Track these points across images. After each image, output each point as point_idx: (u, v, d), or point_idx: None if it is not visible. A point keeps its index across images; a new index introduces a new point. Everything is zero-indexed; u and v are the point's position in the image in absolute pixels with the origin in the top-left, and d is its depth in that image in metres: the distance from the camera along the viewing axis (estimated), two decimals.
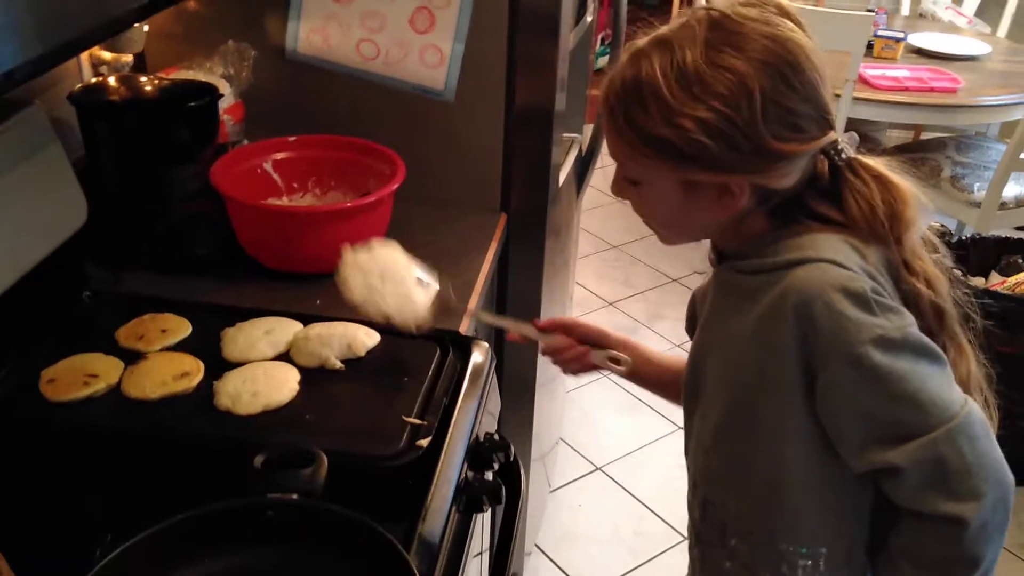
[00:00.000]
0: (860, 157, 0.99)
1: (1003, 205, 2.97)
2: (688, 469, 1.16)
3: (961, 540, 0.91)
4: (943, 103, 2.90)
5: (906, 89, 2.93)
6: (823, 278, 0.92)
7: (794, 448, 0.99)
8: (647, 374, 1.29)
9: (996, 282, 2.56)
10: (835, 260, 0.93)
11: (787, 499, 1.02)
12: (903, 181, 0.98)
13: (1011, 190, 3.01)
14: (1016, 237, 2.71)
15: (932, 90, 2.92)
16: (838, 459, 0.98)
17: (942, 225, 1.03)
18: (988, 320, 1.04)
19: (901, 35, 3.22)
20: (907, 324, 0.92)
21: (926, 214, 0.98)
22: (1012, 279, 2.52)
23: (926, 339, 0.93)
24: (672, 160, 0.95)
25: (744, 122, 0.91)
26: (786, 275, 0.95)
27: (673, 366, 1.27)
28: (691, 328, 1.18)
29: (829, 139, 0.96)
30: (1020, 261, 2.61)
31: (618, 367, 1.25)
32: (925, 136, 3.94)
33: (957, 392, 0.93)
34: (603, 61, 4.03)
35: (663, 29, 0.97)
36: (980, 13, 3.96)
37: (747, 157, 0.93)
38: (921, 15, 3.90)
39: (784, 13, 0.95)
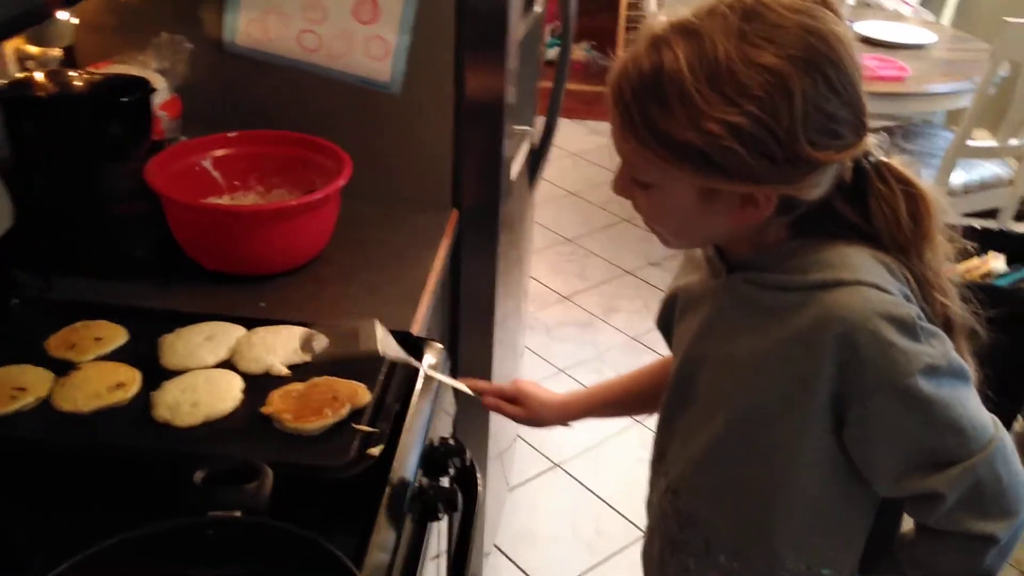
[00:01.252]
0: (888, 160, 0.91)
1: (951, 192, 3.00)
2: (662, 474, 1.11)
3: (986, 556, 0.90)
4: (890, 91, 2.92)
5: None
6: (867, 305, 0.86)
7: (809, 471, 0.95)
8: (606, 410, 1.29)
9: (946, 268, 2.57)
10: (875, 283, 0.87)
11: (793, 519, 0.98)
12: (930, 190, 0.92)
13: (958, 177, 3.04)
14: (965, 224, 2.74)
15: (879, 78, 2.93)
16: (854, 482, 0.95)
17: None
18: None
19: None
20: (949, 348, 0.88)
21: (949, 223, 0.93)
22: (962, 266, 2.53)
23: (960, 360, 0.89)
24: (694, 167, 0.85)
25: (782, 129, 0.82)
26: (820, 297, 0.88)
27: (622, 390, 1.27)
28: (665, 328, 1.12)
29: (864, 146, 0.89)
30: (969, 248, 2.62)
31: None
32: (872, 124, 3.97)
33: (986, 412, 0.91)
34: (553, 52, 4.00)
35: (686, 13, 0.85)
36: (924, 2, 4.00)
37: (780, 167, 0.84)
38: (867, 3, 3.93)
39: (824, 3, 0.85)
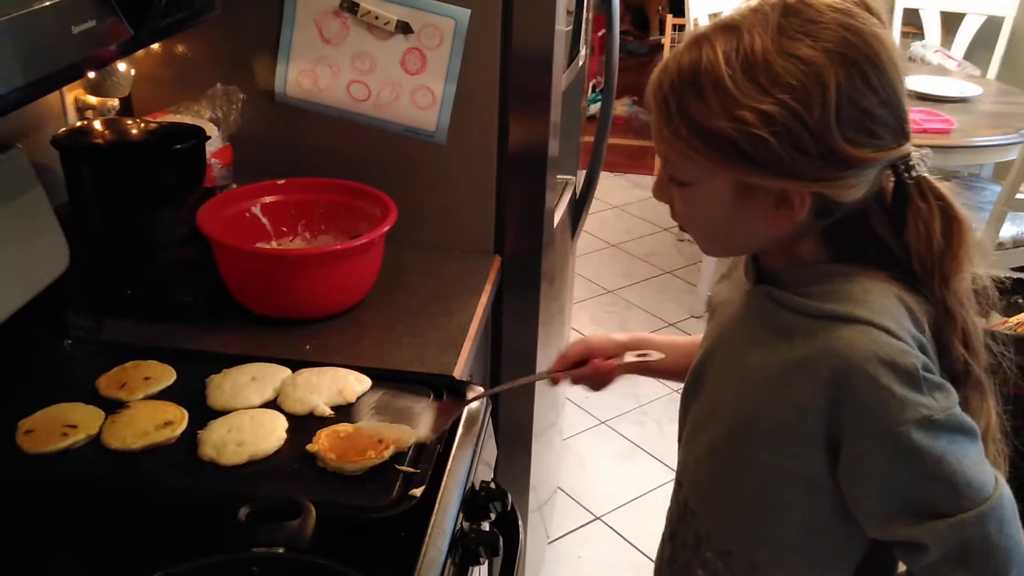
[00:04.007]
0: (930, 178, 0.89)
1: (1000, 245, 2.96)
2: (679, 461, 1.10)
3: None
4: (936, 144, 2.89)
5: None
6: (871, 347, 0.84)
7: (799, 495, 0.94)
8: (677, 364, 1.21)
9: (997, 322, 2.53)
10: (887, 327, 0.85)
11: (778, 536, 0.97)
12: (966, 216, 0.90)
13: (1007, 230, 2.99)
14: (1016, 277, 2.69)
15: (925, 131, 2.91)
16: (846, 515, 0.92)
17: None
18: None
19: None
20: (952, 404, 0.85)
21: (982, 258, 0.91)
22: (1013, 319, 2.49)
23: (965, 417, 0.87)
24: (727, 158, 0.84)
25: (815, 121, 0.81)
26: (829, 329, 0.87)
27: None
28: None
29: (904, 151, 0.86)
30: (1020, 301, 2.58)
31: (650, 359, 1.19)
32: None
33: (989, 471, 0.87)
34: (595, 108, 4.05)
35: (730, 13, 0.86)
36: (969, 55, 3.99)
37: (813, 161, 0.83)
38: (911, 59, 3.93)
39: (867, 8, 0.84)
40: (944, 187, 0.90)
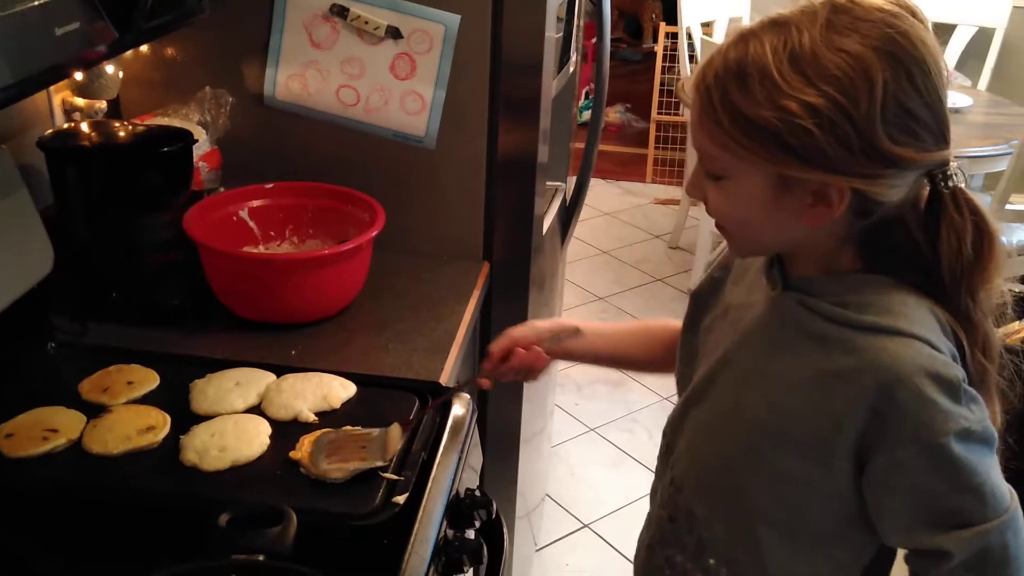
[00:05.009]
0: (965, 189, 0.89)
1: None
2: (669, 466, 1.09)
3: None
4: None
5: None
6: (916, 359, 0.85)
7: (818, 505, 0.95)
8: (604, 347, 1.26)
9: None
10: (928, 340, 0.87)
11: (790, 545, 0.98)
12: (998, 231, 0.90)
13: None
14: (1007, 288, 2.69)
15: None
16: (861, 526, 0.94)
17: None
18: None
19: None
20: (985, 416, 0.88)
21: (1009, 272, 0.92)
22: (1001, 330, 2.49)
23: (992, 428, 0.89)
24: (768, 150, 0.84)
25: (860, 115, 0.81)
26: (872, 341, 0.87)
27: (629, 335, 1.26)
28: (691, 327, 1.11)
29: (944, 156, 0.86)
30: (1009, 311, 2.58)
31: (572, 336, 1.21)
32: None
33: (1005, 482, 0.90)
34: (588, 115, 4.05)
35: (778, 11, 0.87)
36: (960, 66, 4.01)
37: (855, 156, 0.82)
38: None
39: (914, 14, 0.86)
40: (979, 200, 0.90)
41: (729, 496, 1.01)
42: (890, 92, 0.82)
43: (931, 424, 0.85)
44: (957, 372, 0.86)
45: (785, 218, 0.89)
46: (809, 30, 0.83)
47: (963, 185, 0.89)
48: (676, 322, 1.19)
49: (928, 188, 0.89)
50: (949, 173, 0.88)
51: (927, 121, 0.84)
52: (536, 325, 1.24)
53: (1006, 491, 0.89)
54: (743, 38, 0.86)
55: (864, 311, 0.89)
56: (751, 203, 0.90)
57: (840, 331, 0.90)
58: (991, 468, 0.88)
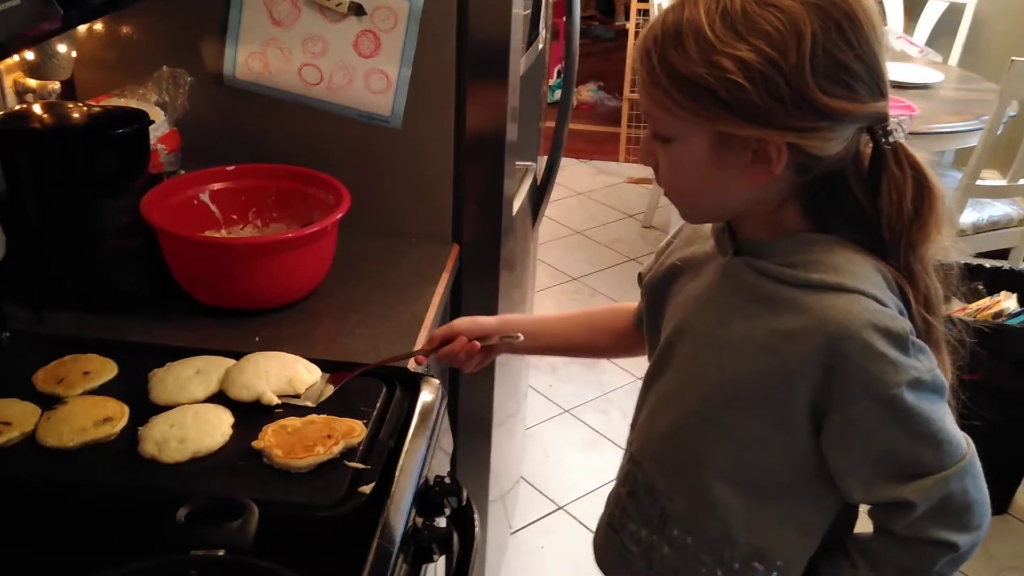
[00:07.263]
0: (906, 145, 0.91)
1: (961, 232, 2.97)
2: (630, 443, 1.12)
3: (941, 561, 0.94)
4: None
5: None
6: (863, 314, 0.87)
7: (778, 464, 0.97)
8: (548, 341, 1.30)
9: (957, 308, 2.54)
10: (874, 295, 0.89)
11: (754, 506, 0.99)
12: (938, 184, 0.92)
13: (968, 217, 3.01)
14: (976, 263, 2.70)
15: None
16: (822, 483, 0.96)
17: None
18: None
19: None
20: (934, 365, 0.90)
21: (950, 231, 0.94)
22: (973, 305, 2.50)
23: (942, 376, 0.92)
24: (704, 106, 0.86)
25: (790, 67, 0.83)
26: (819, 299, 0.89)
27: (573, 323, 1.30)
28: (651, 322, 1.12)
29: (880, 107, 0.88)
30: (980, 288, 2.59)
31: (514, 341, 1.24)
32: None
33: (959, 430, 0.93)
34: (559, 95, 4.01)
35: None
36: (931, 42, 4.01)
37: (788, 109, 0.84)
38: None
39: None
40: (920, 156, 0.91)
41: (687, 465, 1.02)
42: (819, 44, 0.83)
43: (882, 376, 0.87)
44: (904, 325, 0.88)
45: (728, 177, 0.91)
46: None
47: (903, 140, 0.90)
48: (621, 306, 1.25)
49: (871, 146, 0.91)
50: (889, 128, 0.89)
51: (860, 73, 0.86)
52: (479, 321, 1.27)
53: (962, 438, 0.92)
54: (681, 3, 0.88)
55: (811, 270, 0.91)
56: (696, 164, 0.91)
57: (788, 291, 0.92)
58: (945, 416, 0.91)
